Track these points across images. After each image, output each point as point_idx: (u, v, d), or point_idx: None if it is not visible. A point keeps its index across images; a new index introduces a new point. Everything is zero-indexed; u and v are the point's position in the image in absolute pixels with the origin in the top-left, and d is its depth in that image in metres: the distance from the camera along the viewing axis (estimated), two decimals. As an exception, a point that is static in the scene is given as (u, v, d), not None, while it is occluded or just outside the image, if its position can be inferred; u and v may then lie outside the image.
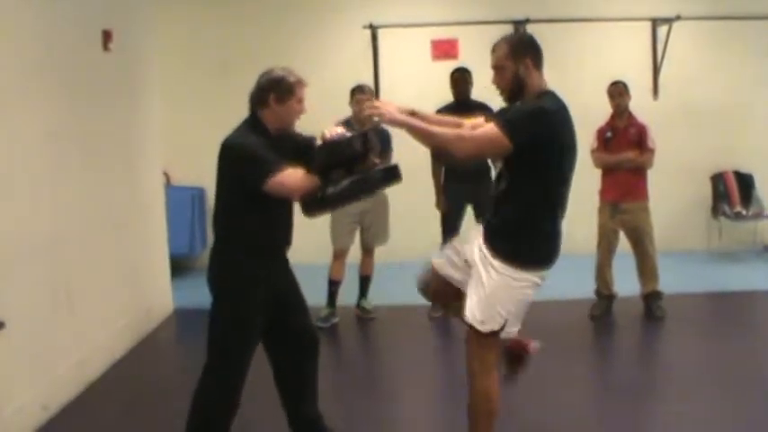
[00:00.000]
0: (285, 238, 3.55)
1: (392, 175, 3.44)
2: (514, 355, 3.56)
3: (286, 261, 3.61)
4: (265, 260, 3.45)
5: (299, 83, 3.46)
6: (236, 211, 3.40)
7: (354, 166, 3.31)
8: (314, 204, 3.39)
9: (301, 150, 3.53)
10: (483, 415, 3.30)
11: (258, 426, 3.98)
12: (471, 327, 3.22)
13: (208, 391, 3.44)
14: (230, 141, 3.40)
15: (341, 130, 3.49)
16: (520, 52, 3.22)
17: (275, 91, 3.40)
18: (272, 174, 3.24)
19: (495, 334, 3.21)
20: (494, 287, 3.18)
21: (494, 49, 3.30)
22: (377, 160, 3.41)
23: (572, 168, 3.26)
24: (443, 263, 3.54)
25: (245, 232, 3.40)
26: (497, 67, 3.27)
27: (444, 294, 3.61)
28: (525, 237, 3.22)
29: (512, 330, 3.25)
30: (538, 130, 3.10)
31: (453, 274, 3.47)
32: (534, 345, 3.57)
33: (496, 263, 3.18)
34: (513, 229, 3.22)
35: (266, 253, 3.46)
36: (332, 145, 3.36)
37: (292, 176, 3.27)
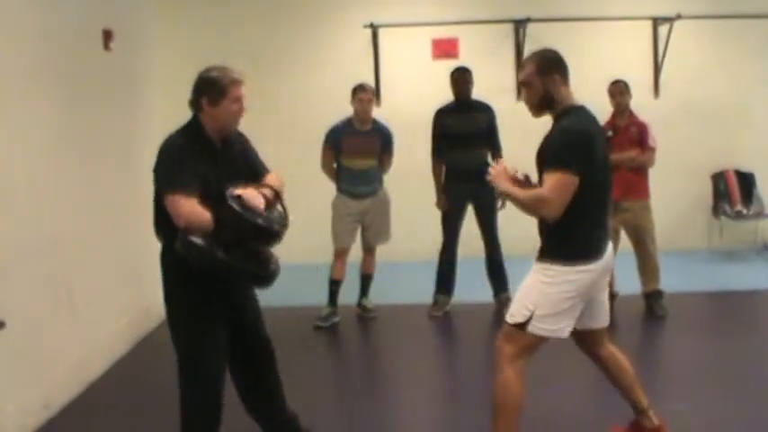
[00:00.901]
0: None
1: (262, 280, 3.28)
2: None
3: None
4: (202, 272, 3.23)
5: (233, 82, 3.24)
6: (169, 220, 3.18)
7: (247, 242, 3.18)
8: (183, 246, 3.10)
9: (251, 168, 3.41)
10: (500, 407, 3.36)
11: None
12: (505, 320, 3.40)
13: (189, 400, 3.39)
14: (163, 142, 3.27)
15: (262, 199, 3.23)
16: (547, 68, 3.35)
17: (207, 94, 3.23)
18: (173, 192, 3.07)
19: (521, 327, 3.30)
20: (527, 282, 3.36)
21: (522, 66, 3.45)
22: (272, 256, 3.30)
23: (603, 173, 3.37)
24: None
25: (173, 235, 3.18)
26: (526, 83, 3.40)
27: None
28: (555, 235, 3.32)
29: (548, 328, 3.31)
30: (579, 150, 3.23)
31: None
32: None
33: (534, 264, 3.36)
34: (545, 229, 3.36)
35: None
36: (239, 214, 3.11)
37: (188, 204, 3.06)
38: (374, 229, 6.10)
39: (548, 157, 3.27)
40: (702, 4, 7.93)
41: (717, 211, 8.18)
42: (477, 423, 4.00)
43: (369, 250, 6.19)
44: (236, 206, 3.11)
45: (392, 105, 7.79)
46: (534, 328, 3.30)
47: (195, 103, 3.29)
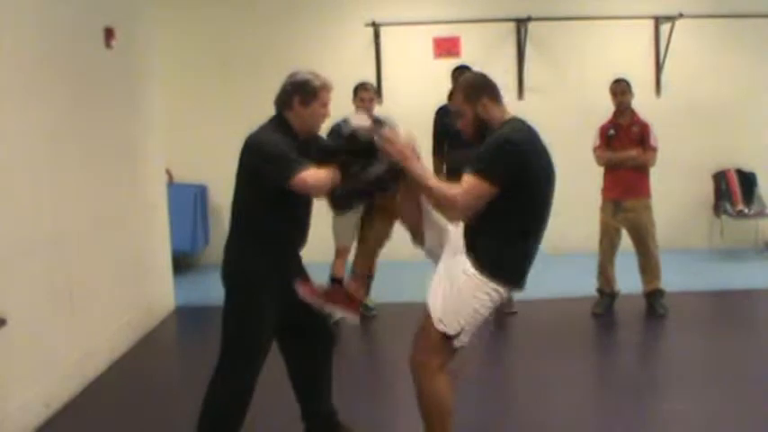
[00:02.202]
0: (301, 238, 3.54)
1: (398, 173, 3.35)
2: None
3: (299, 259, 3.61)
4: (279, 258, 3.45)
5: (324, 87, 3.44)
6: (255, 209, 3.40)
7: (372, 158, 3.29)
8: (341, 200, 3.41)
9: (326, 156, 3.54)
10: (437, 417, 3.29)
11: (268, 417, 3.97)
12: (430, 321, 3.24)
13: (220, 388, 3.43)
14: (255, 138, 3.39)
15: (359, 119, 3.50)
16: (474, 95, 3.29)
17: (300, 94, 3.40)
18: (296, 171, 3.23)
19: (447, 338, 3.20)
20: (459, 289, 3.18)
21: (450, 97, 3.40)
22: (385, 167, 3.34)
23: (547, 191, 3.24)
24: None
25: (262, 230, 3.40)
26: (458, 114, 3.37)
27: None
28: (496, 244, 3.18)
29: (464, 341, 3.22)
30: (507, 160, 3.11)
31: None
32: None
33: (471, 269, 3.16)
34: (492, 241, 3.18)
35: (280, 251, 3.46)
36: (351, 134, 3.37)
37: (315, 174, 3.26)
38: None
39: (477, 158, 3.16)
40: (704, 3, 7.94)
41: (718, 210, 8.19)
42: (476, 421, 4.01)
43: (370, 249, 6.18)
44: (346, 129, 3.41)
45: (394, 104, 7.79)
46: (460, 342, 3.21)
47: (285, 102, 3.43)
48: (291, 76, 3.47)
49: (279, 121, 3.45)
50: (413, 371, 3.33)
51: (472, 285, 3.16)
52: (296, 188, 3.26)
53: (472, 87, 3.33)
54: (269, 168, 3.30)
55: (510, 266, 3.21)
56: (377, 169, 3.29)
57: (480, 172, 3.09)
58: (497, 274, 3.16)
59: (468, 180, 3.12)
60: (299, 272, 3.59)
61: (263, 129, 3.44)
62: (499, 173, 3.08)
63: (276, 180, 3.26)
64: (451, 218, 3.25)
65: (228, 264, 3.48)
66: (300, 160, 3.27)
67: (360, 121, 3.48)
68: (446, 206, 3.22)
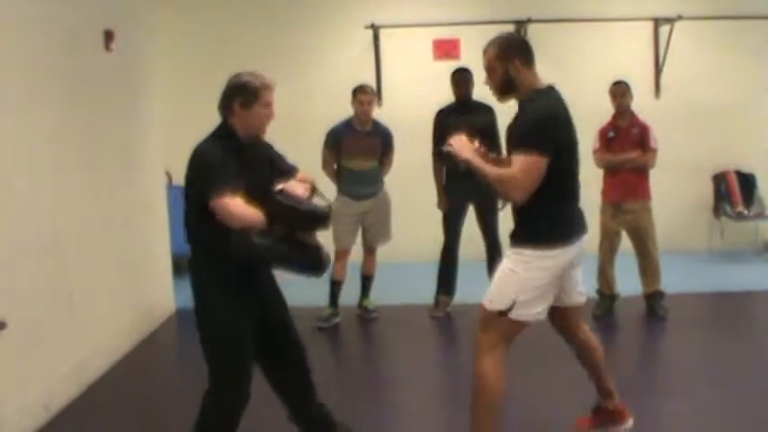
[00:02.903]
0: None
1: (318, 268, 3.38)
2: (608, 416, 3.78)
3: (265, 268, 3.48)
4: (239, 275, 3.30)
5: (265, 86, 3.31)
6: (204, 223, 3.21)
7: (297, 233, 3.25)
8: (243, 246, 3.16)
9: (279, 170, 3.46)
10: (480, 394, 3.35)
11: (266, 419, 3.97)
12: (483, 307, 3.39)
13: (210, 405, 3.36)
14: (197, 148, 3.30)
15: (303, 190, 3.34)
16: (508, 53, 3.36)
17: (240, 96, 3.29)
18: (220, 195, 3.11)
19: (502, 315, 3.30)
20: (504, 268, 3.37)
21: (484, 51, 3.45)
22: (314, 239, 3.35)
23: (574, 156, 3.37)
24: None
25: (215, 244, 3.21)
26: (488, 69, 3.43)
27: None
28: (526, 219, 3.35)
29: (528, 313, 3.31)
30: (548, 133, 3.22)
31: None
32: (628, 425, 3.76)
33: (510, 250, 3.38)
34: (519, 214, 3.37)
35: (235, 269, 3.29)
36: (291, 205, 3.23)
37: (239, 206, 3.13)
38: (375, 230, 6.10)
39: (517, 139, 3.27)
40: (703, 4, 7.94)
41: (718, 211, 8.19)
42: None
43: (369, 251, 6.19)
44: (282, 199, 3.22)
45: (393, 106, 7.79)
46: (516, 314, 3.30)
47: (226, 107, 3.34)
48: (230, 79, 3.36)
49: (222, 129, 3.35)
50: (473, 360, 3.44)
51: (511, 259, 3.34)
52: (219, 211, 3.12)
53: (509, 45, 3.41)
54: (200, 181, 3.21)
55: (542, 231, 3.30)
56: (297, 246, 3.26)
57: (529, 147, 3.18)
58: (532, 242, 3.28)
59: (521, 159, 3.19)
60: (268, 281, 3.51)
61: (205, 139, 3.34)
62: (546, 143, 3.18)
63: (203, 194, 3.16)
64: (517, 198, 3.26)
65: (192, 285, 3.38)
66: (231, 185, 3.13)
67: (297, 191, 3.32)
68: (510, 188, 3.24)
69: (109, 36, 5.30)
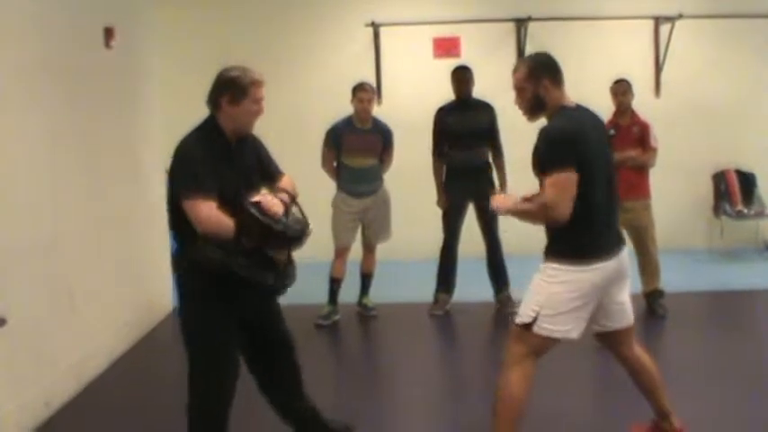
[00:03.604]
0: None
1: (275, 291, 3.35)
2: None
3: None
4: (221, 276, 3.21)
5: (255, 82, 3.24)
6: (181, 215, 3.18)
7: (268, 248, 3.19)
8: (201, 256, 3.14)
9: (264, 169, 3.42)
10: (502, 403, 3.36)
11: (262, 418, 3.98)
12: (513, 321, 3.44)
13: (196, 407, 3.36)
14: (179, 143, 3.25)
15: (280, 206, 3.23)
16: (538, 73, 3.37)
17: (228, 92, 3.22)
18: (192, 196, 3.07)
19: (527, 327, 3.31)
20: (533, 282, 3.37)
21: (514, 71, 3.46)
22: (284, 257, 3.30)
23: (601, 170, 3.33)
24: None
25: (190, 237, 3.18)
26: (518, 89, 3.43)
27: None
28: (556, 233, 3.34)
29: (554, 329, 3.29)
30: (572, 150, 3.21)
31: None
32: None
33: (542, 264, 3.37)
34: (549, 228, 3.38)
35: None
36: (264, 223, 3.14)
37: (211, 212, 3.07)
38: (374, 228, 6.10)
39: (540, 161, 3.28)
40: (704, 3, 7.94)
41: (717, 210, 8.18)
42: (477, 421, 4.01)
43: (369, 249, 6.19)
44: (255, 213, 3.13)
45: (393, 104, 7.79)
46: (540, 328, 3.29)
47: (214, 102, 3.27)
48: (220, 73, 3.29)
49: (208, 124, 3.28)
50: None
51: (540, 274, 3.34)
52: (188, 211, 3.08)
53: (538, 64, 3.43)
54: (173, 180, 3.18)
55: (570, 245, 3.29)
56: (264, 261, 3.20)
57: (553, 165, 3.19)
58: (560, 256, 3.28)
59: (548, 180, 3.21)
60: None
61: (188, 134, 3.27)
62: (568, 157, 3.18)
63: (176, 191, 3.13)
64: (559, 218, 3.23)
65: (175, 281, 3.37)
66: (205, 187, 3.08)
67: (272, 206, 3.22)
68: (549, 212, 3.24)
69: (109, 33, 5.29)
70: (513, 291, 6.05)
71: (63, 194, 4.58)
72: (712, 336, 5.67)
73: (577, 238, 3.29)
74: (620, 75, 6.13)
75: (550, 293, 3.29)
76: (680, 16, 7.84)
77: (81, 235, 4.78)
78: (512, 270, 6.10)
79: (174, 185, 3.19)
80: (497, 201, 3.58)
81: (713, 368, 4.92)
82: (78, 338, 4.71)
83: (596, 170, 3.29)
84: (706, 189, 8.29)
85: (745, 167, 8.27)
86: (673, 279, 6.31)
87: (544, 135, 3.29)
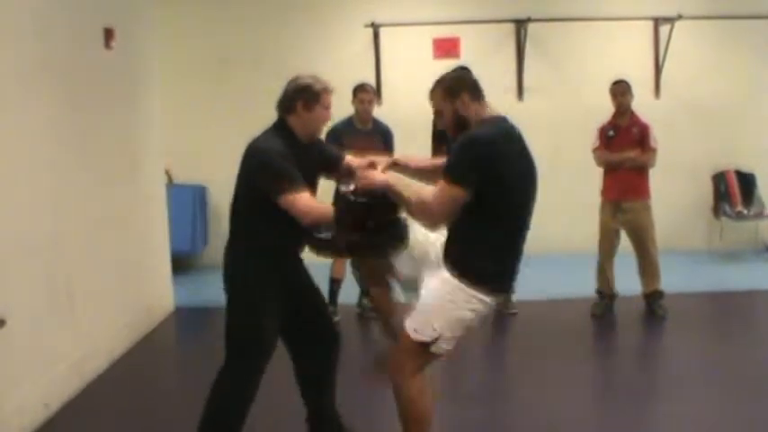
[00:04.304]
0: (298, 242, 3.52)
1: (394, 247, 3.30)
2: None
3: (299, 260, 3.63)
4: (276, 259, 3.48)
5: (326, 90, 3.48)
6: (252, 213, 3.43)
7: (370, 226, 3.21)
8: (319, 243, 3.33)
9: (327, 161, 3.61)
10: (415, 421, 3.23)
11: (271, 418, 3.97)
12: (405, 331, 3.18)
13: (224, 387, 3.45)
14: (256, 145, 3.42)
15: (381, 181, 3.29)
16: (453, 92, 3.25)
17: (303, 98, 3.43)
18: (289, 191, 3.26)
19: (425, 345, 3.13)
20: (435, 297, 3.14)
21: (430, 95, 3.35)
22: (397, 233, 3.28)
23: (524, 195, 3.17)
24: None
25: (258, 233, 3.43)
26: (437, 112, 3.33)
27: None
28: (473, 251, 3.12)
29: (448, 348, 3.17)
30: (474, 160, 3.05)
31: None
32: None
33: (446, 275, 3.12)
34: (467, 246, 3.14)
35: (277, 253, 3.48)
36: (370, 203, 3.22)
37: (307, 202, 3.29)
38: (374, 229, 6.09)
39: (446, 163, 3.14)
40: (703, 4, 7.94)
41: (717, 211, 8.19)
42: (474, 420, 4.01)
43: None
44: (358, 199, 3.23)
45: (393, 105, 7.79)
46: (439, 348, 3.15)
47: (289, 107, 3.45)
48: (293, 80, 3.50)
49: (281, 127, 3.47)
50: (390, 377, 3.26)
51: (448, 289, 3.10)
52: (284, 206, 3.28)
53: (452, 83, 3.29)
54: (264, 180, 3.33)
55: (487, 272, 3.11)
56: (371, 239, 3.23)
57: (449, 176, 3.05)
58: (477, 281, 3.09)
59: (440, 185, 3.06)
60: (302, 272, 3.63)
61: (264, 135, 3.47)
62: (467, 174, 3.02)
63: (268, 193, 3.30)
64: (430, 226, 3.19)
65: (227, 267, 3.51)
66: (298, 182, 3.28)
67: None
68: (422, 215, 3.15)
69: (109, 34, 5.29)
70: (512, 291, 6.06)
71: (63, 194, 4.58)
72: (712, 337, 5.67)
73: (495, 265, 3.14)
74: (619, 75, 6.13)
75: (457, 318, 3.12)
76: (679, 17, 7.85)
77: (81, 235, 4.78)
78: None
79: (265, 186, 3.32)
80: (366, 175, 3.28)
81: (713, 369, 4.92)
82: (78, 339, 4.71)
83: (517, 194, 3.13)
84: (706, 190, 8.29)
85: (745, 168, 8.27)
86: (672, 280, 6.31)
87: (468, 141, 3.10)
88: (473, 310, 3.12)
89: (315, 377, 3.70)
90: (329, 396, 3.74)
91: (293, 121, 3.45)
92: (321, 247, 3.35)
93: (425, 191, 3.19)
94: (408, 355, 3.18)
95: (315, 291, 3.72)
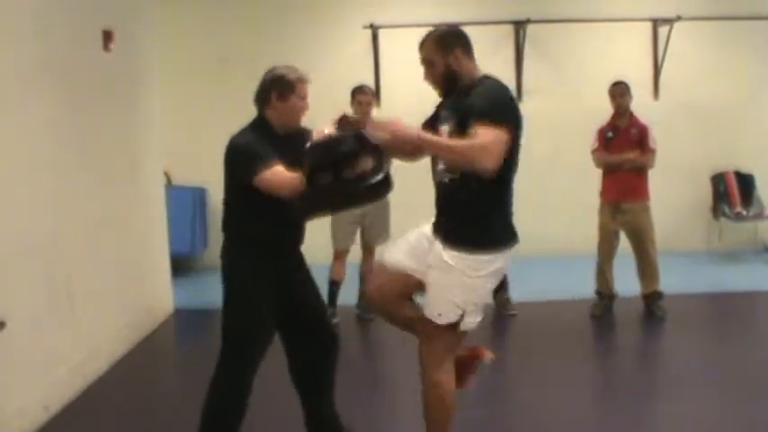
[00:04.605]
0: (291, 235, 3.53)
1: (381, 185, 3.21)
2: (467, 362, 3.40)
3: (298, 258, 3.62)
4: (273, 259, 3.46)
5: (301, 80, 3.47)
6: (239, 209, 3.43)
7: (341, 170, 3.14)
8: (303, 206, 3.25)
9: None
10: (437, 409, 3.22)
11: (270, 419, 3.97)
12: (429, 321, 3.15)
13: (219, 384, 3.46)
14: (231, 140, 3.43)
15: (333, 130, 3.41)
16: (448, 45, 3.18)
17: (277, 89, 3.42)
18: (260, 169, 3.24)
19: (453, 327, 3.12)
20: (445, 277, 3.09)
21: (421, 46, 3.26)
22: (369, 165, 3.16)
23: (517, 156, 3.14)
24: (398, 257, 3.39)
25: (247, 229, 3.44)
26: (427, 62, 3.21)
27: (397, 296, 3.43)
28: (475, 219, 3.10)
29: (475, 321, 3.14)
30: (510, 104, 3.06)
31: (411, 263, 3.30)
32: (488, 354, 3.43)
33: (449, 253, 3.07)
34: (464, 215, 3.11)
35: (270, 249, 3.46)
36: (320, 144, 3.25)
37: (279, 174, 3.24)
38: (374, 230, 6.10)
39: (478, 110, 2.96)
40: (702, 5, 7.95)
41: (716, 212, 8.19)
42: (474, 420, 4.01)
43: (369, 250, 6.18)
44: (313, 147, 3.23)
45: (392, 106, 7.77)
46: (467, 325, 3.13)
47: (263, 99, 3.45)
48: (268, 72, 3.48)
49: (258, 123, 3.47)
50: (424, 374, 3.26)
51: (459, 268, 3.05)
52: (260, 185, 3.26)
53: (448, 36, 3.23)
54: (237, 166, 3.35)
55: (498, 230, 3.10)
56: (363, 165, 3.13)
57: (490, 119, 2.91)
58: (480, 241, 3.05)
59: (483, 131, 2.90)
60: (300, 270, 3.61)
61: (241, 130, 3.47)
62: (508, 116, 3.00)
63: (242, 176, 3.30)
64: (489, 167, 2.92)
65: (224, 267, 3.52)
66: (268, 158, 3.26)
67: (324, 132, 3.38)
68: (478, 157, 2.91)
69: (108, 36, 5.29)
70: (512, 292, 6.06)
71: (63, 194, 4.58)
72: (712, 337, 5.67)
73: (500, 222, 3.12)
74: (618, 77, 6.14)
75: (473, 288, 3.08)
76: (678, 18, 7.86)
77: (81, 235, 4.78)
78: (509, 271, 6.09)
79: (240, 173, 3.32)
80: (384, 126, 3.13)
81: (713, 369, 4.92)
82: (78, 340, 4.70)
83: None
84: (705, 191, 8.30)
85: (744, 169, 8.28)
86: (672, 281, 6.31)
87: (496, 89, 3.06)
88: (485, 276, 3.08)
89: (313, 378, 3.68)
90: (328, 397, 3.72)
91: (270, 114, 3.45)
92: (322, 202, 3.26)
93: (462, 139, 2.99)
94: (439, 343, 3.15)
95: (314, 291, 3.68)
